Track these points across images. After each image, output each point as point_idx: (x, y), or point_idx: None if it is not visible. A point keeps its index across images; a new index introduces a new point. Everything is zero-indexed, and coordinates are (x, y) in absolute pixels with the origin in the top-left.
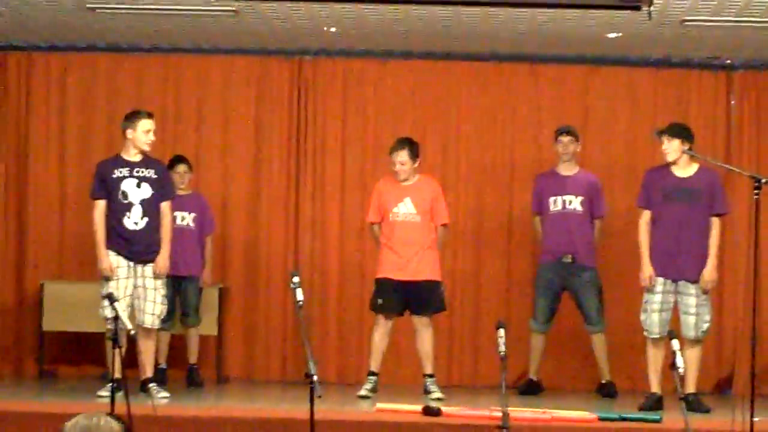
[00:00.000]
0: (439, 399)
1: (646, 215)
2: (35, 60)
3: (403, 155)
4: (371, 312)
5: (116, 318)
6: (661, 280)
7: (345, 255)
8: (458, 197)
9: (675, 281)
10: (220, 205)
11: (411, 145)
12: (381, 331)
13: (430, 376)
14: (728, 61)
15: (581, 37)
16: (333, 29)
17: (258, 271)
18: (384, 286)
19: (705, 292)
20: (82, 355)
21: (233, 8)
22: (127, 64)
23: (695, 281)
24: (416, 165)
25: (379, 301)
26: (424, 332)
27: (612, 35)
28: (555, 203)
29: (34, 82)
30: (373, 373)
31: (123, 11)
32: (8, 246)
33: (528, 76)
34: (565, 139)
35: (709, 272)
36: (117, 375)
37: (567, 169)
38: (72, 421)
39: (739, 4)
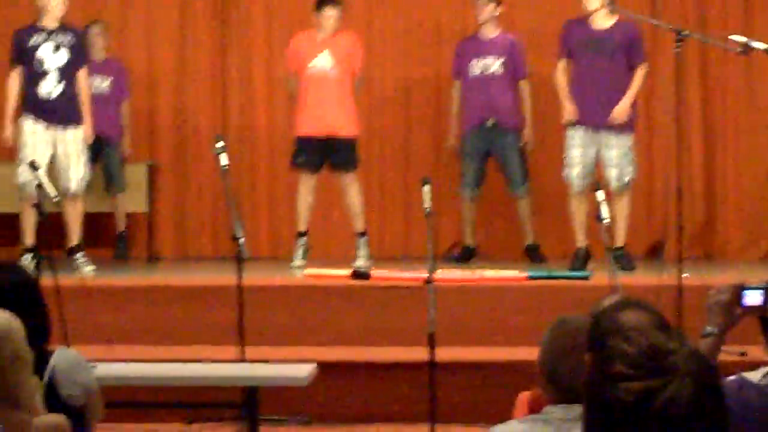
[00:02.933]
0: (365, 265)
1: (562, 62)
2: None
3: (333, 11)
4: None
5: (40, 185)
6: (581, 131)
7: (273, 126)
8: (384, 61)
9: (596, 130)
10: (145, 79)
11: (341, 3)
12: (305, 189)
13: (361, 234)
14: None
15: None
16: None
17: (187, 149)
18: (303, 144)
19: (622, 128)
20: (12, 238)
21: None
22: None
23: (614, 128)
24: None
25: (298, 158)
26: (350, 187)
27: None
28: (475, 66)
29: None
30: (301, 234)
31: None
32: None
33: None
34: (480, 0)
35: (621, 107)
36: (30, 241)
37: (487, 32)
38: None
39: None
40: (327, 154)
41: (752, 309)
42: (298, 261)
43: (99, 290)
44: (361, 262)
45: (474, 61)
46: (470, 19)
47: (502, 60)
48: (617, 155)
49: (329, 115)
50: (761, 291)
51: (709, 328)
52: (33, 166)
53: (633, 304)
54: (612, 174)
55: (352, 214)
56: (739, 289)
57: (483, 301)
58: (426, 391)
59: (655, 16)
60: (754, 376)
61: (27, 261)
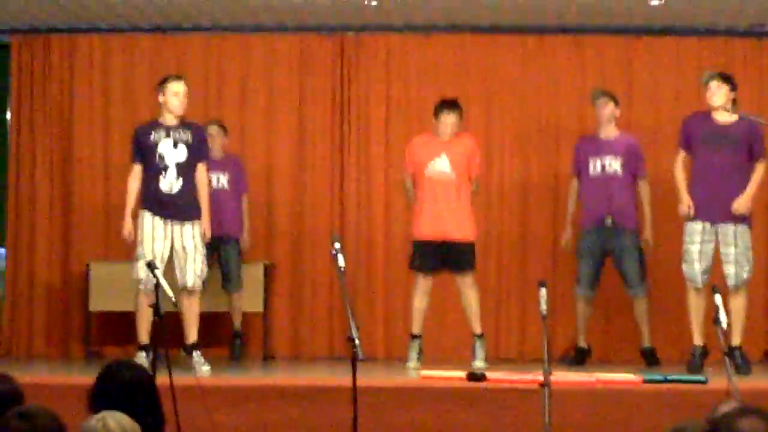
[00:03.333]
0: (482, 367)
1: (681, 154)
2: (78, 42)
3: (453, 116)
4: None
5: (157, 285)
6: (699, 226)
7: (390, 227)
8: (503, 163)
9: (713, 224)
10: (264, 185)
11: (460, 107)
12: (420, 292)
13: (479, 336)
14: None
15: (623, 6)
16: (374, 2)
17: (303, 248)
18: (420, 248)
19: (740, 221)
20: (129, 335)
21: None
22: (168, 44)
23: (733, 222)
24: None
25: (415, 261)
26: (468, 289)
27: (654, 2)
28: (594, 166)
29: (78, 64)
30: (415, 336)
31: None
32: (53, 227)
33: (571, 48)
34: (601, 100)
35: (743, 199)
36: (146, 338)
37: (606, 132)
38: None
39: None
40: (444, 258)
41: None
42: (412, 363)
43: (214, 389)
44: (478, 364)
45: (593, 160)
46: (588, 118)
47: (621, 160)
48: (735, 252)
49: (447, 219)
50: None
51: None
52: (150, 266)
53: (751, 411)
54: (730, 270)
55: (469, 315)
56: None
57: (599, 404)
58: None
59: None
60: None
61: (142, 359)
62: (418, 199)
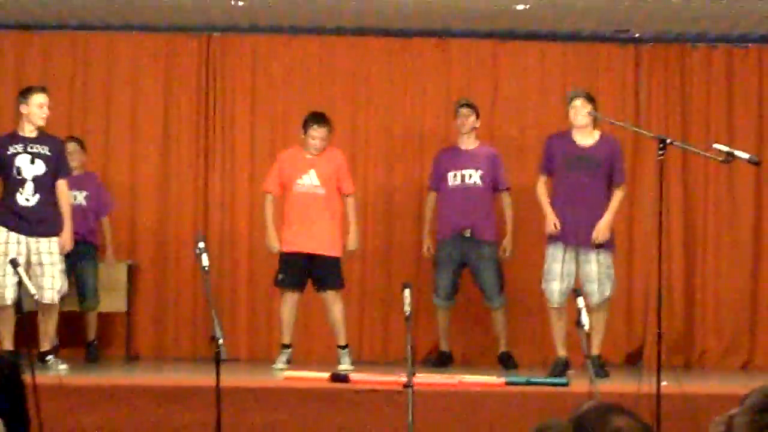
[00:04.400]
0: (348, 369)
1: (543, 177)
2: None
3: (323, 131)
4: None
5: (20, 282)
6: (561, 247)
7: (254, 230)
8: (367, 171)
9: (576, 247)
10: (129, 183)
11: (329, 122)
12: (289, 305)
13: (343, 347)
14: (637, 35)
15: (489, 10)
16: (240, 3)
17: (167, 248)
18: (288, 261)
19: (596, 245)
20: None
21: None
22: (34, 41)
23: (594, 246)
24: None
25: (280, 276)
26: (333, 305)
27: (520, 7)
28: (455, 177)
29: None
30: (286, 346)
31: None
32: None
33: (437, 51)
34: (464, 110)
35: (602, 225)
36: (9, 345)
37: (467, 143)
38: None
39: None
40: (311, 272)
41: None
42: (280, 365)
43: (76, 389)
44: (343, 366)
45: (453, 172)
46: (452, 125)
47: (481, 172)
48: (597, 271)
49: (314, 234)
50: None
51: None
52: (14, 263)
53: (616, 408)
54: (592, 289)
55: (334, 329)
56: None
57: (461, 406)
58: None
59: (638, 123)
60: None
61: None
62: (286, 213)
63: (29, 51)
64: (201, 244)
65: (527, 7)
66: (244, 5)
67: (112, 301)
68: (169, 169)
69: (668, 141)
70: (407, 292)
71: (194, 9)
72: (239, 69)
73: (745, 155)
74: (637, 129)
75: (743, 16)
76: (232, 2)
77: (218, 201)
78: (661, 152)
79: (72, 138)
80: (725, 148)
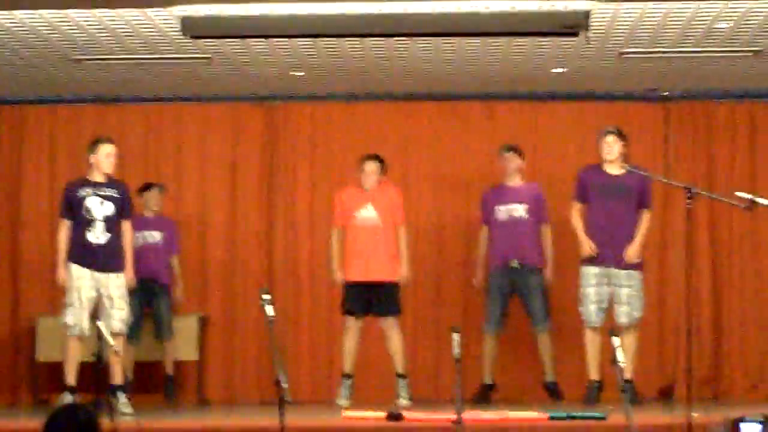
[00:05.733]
0: (406, 404)
1: (577, 205)
2: (26, 113)
3: (373, 165)
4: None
5: (100, 336)
6: (595, 270)
7: (314, 280)
8: (420, 213)
9: (607, 267)
10: (199, 239)
11: (381, 159)
12: (351, 333)
13: (402, 376)
14: (666, 93)
15: (529, 74)
16: (299, 73)
17: (235, 300)
18: (351, 290)
19: (633, 268)
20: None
21: (207, 55)
22: (110, 113)
23: (625, 267)
24: (382, 177)
25: (346, 305)
26: (392, 333)
27: (557, 70)
28: (502, 212)
29: (27, 133)
30: (347, 376)
31: (105, 61)
32: (2, 284)
33: (482, 113)
34: (507, 154)
35: (633, 248)
36: (73, 381)
37: (512, 181)
38: None
39: (672, 37)
40: (370, 299)
41: None
42: (343, 400)
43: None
44: (403, 402)
45: (500, 207)
46: (497, 174)
47: (526, 206)
48: (628, 293)
49: (373, 262)
50: (759, 423)
51: None
52: (94, 318)
53: None
54: (623, 310)
55: (394, 357)
56: (736, 422)
57: None
58: None
59: (668, 175)
60: None
61: (69, 399)
62: (347, 245)
63: (107, 122)
64: (265, 296)
65: (564, 70)
66: (303, 76)
67: (185, 350)
68: (235, 227)
69: (695, 190)
70: (456, 335)
71: (258, 80)
72: (299, 133)
73: (766, 202)
74: (666, 180)
75: (765, 73)
76: (291, 73)
77: (281, 255)
78: (689, 200)
79: (154, 184)
80: (748, 196)
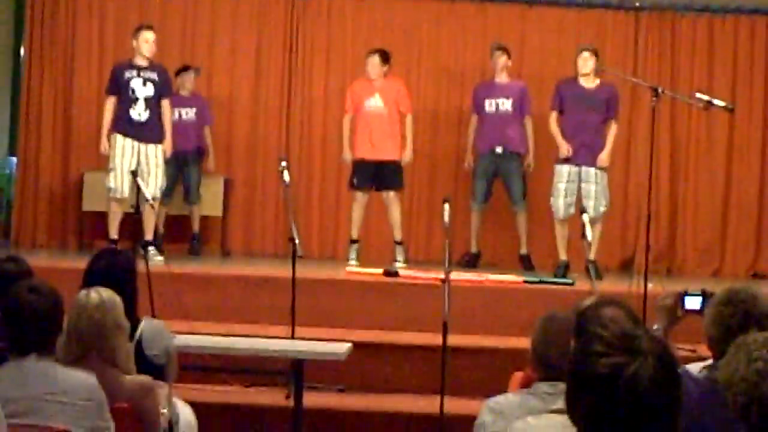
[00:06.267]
0: (402, 264)
1: (554, 114)
2: None
3: (375, 58)
4: (349, 191)
5: (138, 189)
6: (567, 169)
7: (326, 152)
8: (418, 101)
9: (578, 166)
10: (227, 112)
11: (384, 53)
12: (358, 204)
13: (399, 243)
14: (636, 4)
15: None
16: None
17: (256, 166)
18: (359, 167)
19: (602, 168)
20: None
21: None
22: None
23: (595, 168)
24: (385, 69)
25: (355, 180)
26: (392, 205)
27: None
28: (490, 105)
29: (79, 10)
30: (354, 241)
31: None
32: (56, 142)
33: (476, 13)
34: (496, 51)
35: (605, 153)
36: (115, 234)
37: (501, 78)
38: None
39: None
40: (376, 175)
41: (691, 312)
42: (353, 262)
43: (182, 276)
44: (398, 264)
45: (489, 100)
46: (488, 70)
47: (512, 100)
48: (596, 190)
49: (379, 144)
50: (699, 296)
51: (656, 326)
52: (133, 174)
53: (610, 301)
54: (591, 204)
55: (392, 224)
56: (681, 295)
57: (487, 299)
58: (439, 369)
59: (635, 74)
60: (694, 368)
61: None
62: (357, 129)
63: (150, 4)
64: (283, 163)
65: None
66: None
67: (211, 207)
68: (258, 102)
69: (660, 90)
70: (446, 206)
71: None
72: (317, 24)
73: (721, 103)
74: (635, 79)
75: None
76: None
77: (298, 129)
78: (654, 99)
79: (191, 67)
80: (705, 97)
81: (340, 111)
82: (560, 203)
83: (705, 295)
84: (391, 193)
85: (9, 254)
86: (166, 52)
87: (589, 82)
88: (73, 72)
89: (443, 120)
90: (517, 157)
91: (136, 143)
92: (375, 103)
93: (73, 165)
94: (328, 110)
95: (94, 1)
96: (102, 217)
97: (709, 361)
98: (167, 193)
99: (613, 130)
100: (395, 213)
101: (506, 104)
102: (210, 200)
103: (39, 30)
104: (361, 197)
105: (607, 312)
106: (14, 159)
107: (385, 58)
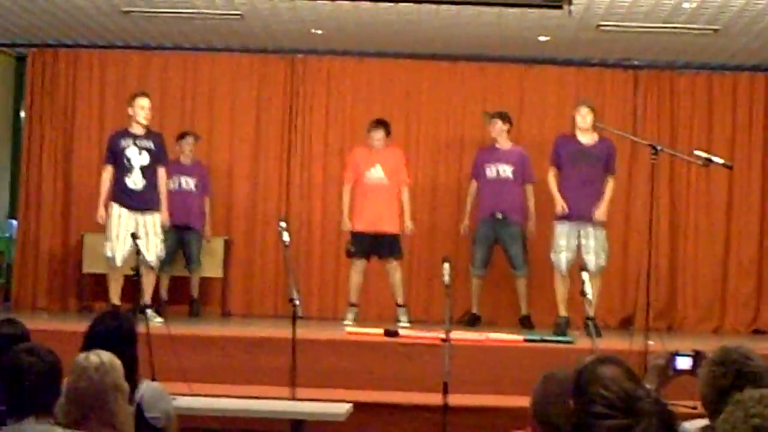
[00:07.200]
0: (406, 324)
1: (553, 170)
2: (81, 56)
3: (380, 133)
4: (347, 259)
5: (138, 252)
6: (567, 224)
7: (327, 214)
8: (418, 168)
9: (578, 222)
10: (227, 173)
11: (387, 125)
12: (357, 270)
13: (401, 305)
14: (636, 63)
15: (518, 40)
16: (319, 32)
17: (256, 227)
18: (358, 238)
19: (599, 224)
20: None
21: (239, 12)
22: (154, 60)
23: (593, 223)
24: (388, 139)
25: (352, 249)
26: (394, 271)
27: (542, 38)
28: (491, 170)
29: (80, 74)
30: (353, 305)
31: (150, 14)
32: (56, 204)
33: (476, 73)
34: (490, 120)
35: (601, 209)
36: (117, 301)
37: (502, 144)
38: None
39: (644, 13)
40: (375, 246)
41: (682, 372)
42: (349, 321)
43: (181, 338)
44: (402, 325)
45: (490, 166)
46: (487, 133)
47: (512, 168)
48: (595, 245)
49: (379, 216)
50: (690, 357)
51: (647, 386)
52: (134, 236)
53: (609, 359)
54: (590, 258)
55: (394, 289)
56: (672, 355)
57: (488, 357)
58: (440, 429)
59: (635, 131)
60: (691, 425)
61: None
62: (356, 200)
63: (150, 68)
64: (282, 224)
65: (548, 39)
66: (322, 34)
67: (211, 268)
68: (258, 164)
69: (659, 148)
70: (446, 265)
71: (282, 35)
72: (317, 84)
73: (720, 160)
74: (634, 137)
75: (722, 49)
76: (312, 31)
77: (297, 190)
78: (653, 157)
79: (189, 133)
80: (704, 155)
81: (340, 170)
82: (562, 258)
83: (696, 356)
84: (393, 261)
85: (6, 317)
86: (167, 118)
87: (587, 138)
88: (73, 135)
89: (442, 185)
90: (517, 222)
91: (132, 212)
92: (376, 174)
93: (73, 227)
94: (327, 170)
95: (95, 66)
96: (102, 279)
97: (706, 421)
98: (168, 260)
99: (610, 185)
100: (396, 278)
101: (507, 170)
102: (210, 261)
103: (39, 93)
104: (359, 264)
105: (606, 371)
106: (14, 222)
107: (389, 130)
